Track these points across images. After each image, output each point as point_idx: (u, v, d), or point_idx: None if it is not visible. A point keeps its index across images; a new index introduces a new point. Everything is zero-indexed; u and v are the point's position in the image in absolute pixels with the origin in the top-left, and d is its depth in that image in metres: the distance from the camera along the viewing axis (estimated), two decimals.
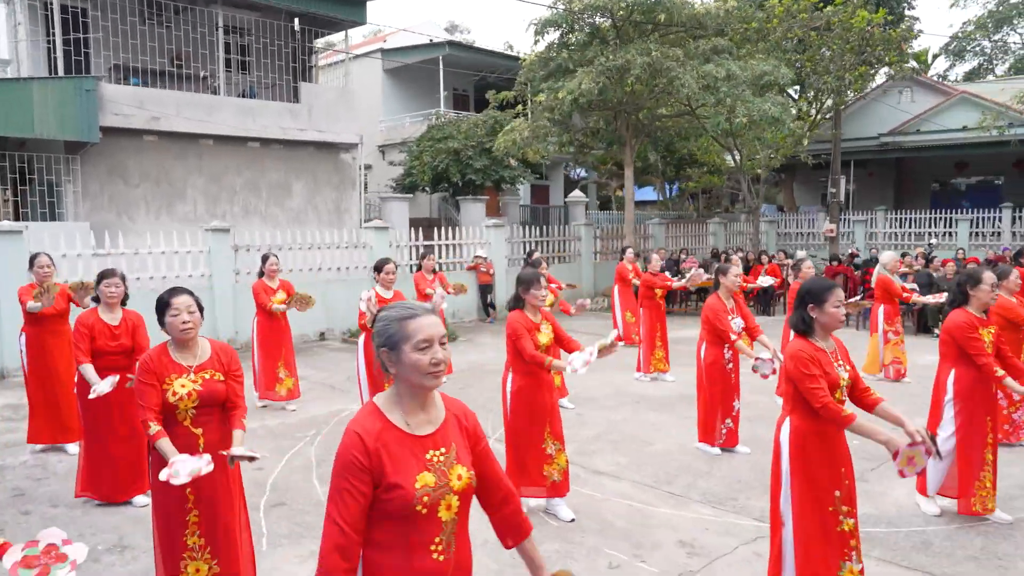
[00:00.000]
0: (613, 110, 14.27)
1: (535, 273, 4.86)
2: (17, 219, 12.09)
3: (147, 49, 14.59)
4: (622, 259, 10.40)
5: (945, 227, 20.18)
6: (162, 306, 3.33)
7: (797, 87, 17.74)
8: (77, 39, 13.65)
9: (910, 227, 20.61)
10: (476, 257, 13.88)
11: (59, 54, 12.94)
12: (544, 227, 15.97)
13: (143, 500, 4.86)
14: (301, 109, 15.65)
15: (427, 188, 19.45)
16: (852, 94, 17.44)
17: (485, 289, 13.98)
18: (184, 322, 3.30)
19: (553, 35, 14.24)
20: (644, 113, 14.36)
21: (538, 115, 14.11)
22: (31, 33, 14.46)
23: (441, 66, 22.70)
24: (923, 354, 9.34)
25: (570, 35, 13.67)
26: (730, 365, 6.01)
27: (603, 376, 8.89)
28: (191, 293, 3.40)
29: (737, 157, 16.27)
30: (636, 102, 13.96)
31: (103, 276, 4.95)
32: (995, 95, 25.68)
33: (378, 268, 6.56)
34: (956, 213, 19.74)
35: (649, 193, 32.20)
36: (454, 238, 13.92)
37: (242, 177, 15.05)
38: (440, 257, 13.31)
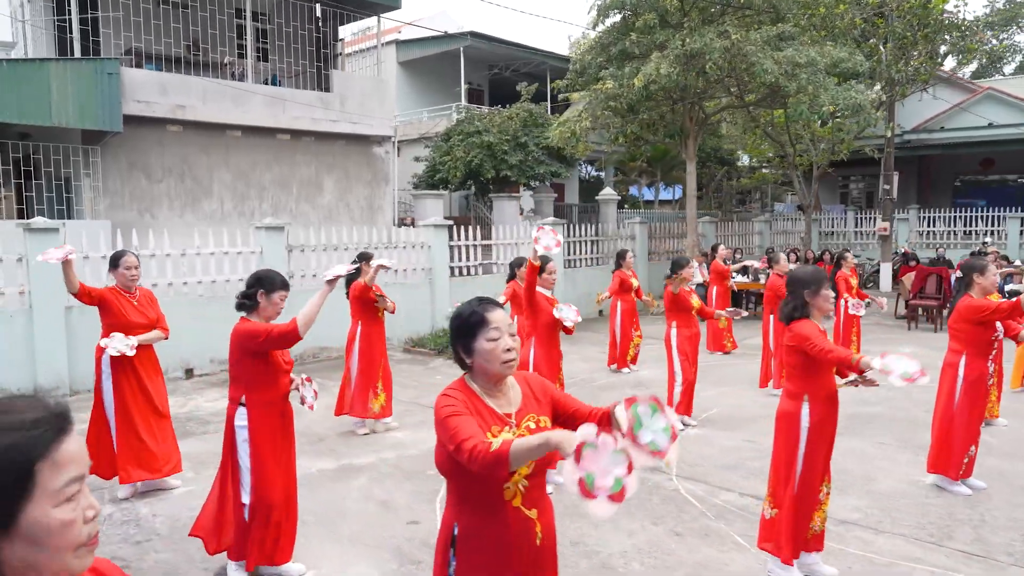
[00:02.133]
0: (677, 100, 13.25)
1: (818, 271, 3.83)
2: (20, 218, 10.71)
3: (163, 33, 13.27)
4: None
5: (987, 225, 19.59)
6: (473, 326, 2.20)
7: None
8: (87, 19, 12.31)
9: (945, 225, 20.01)
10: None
11: (75, 34, 11.60)
12: (599, 225, 14.92)
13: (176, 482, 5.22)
14: (333, 99, 14.44)
15: (451, 185, 18.31)
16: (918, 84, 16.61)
17: None
18: (507, 349, 2.18)
19: (613, 18, 13.20)
20: (713, 103, 13.38)
21: (597, 104, 13.04)
22: (38, 12, 13.07)
23: (462, 58, 21.57)
24: None
25: (634, 18, 12.63)
26: (991, 381, 5.02)
27: (723, 389, 7.87)
28: (500, 305, 2.29)
29: (790, 151, 15.37)
30: (705, 90, 12.97)
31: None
32: (1022, 91, 25.27)
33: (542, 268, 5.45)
34: (1007, 211, 19.10)
35: (647, 192, 31.36)
36: (508, 237, 12.79)
37: (271, 172, 13.80)
38: (471, 259, 12.13)
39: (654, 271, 15.34)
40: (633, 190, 28.68)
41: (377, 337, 6.66)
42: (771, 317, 7.65)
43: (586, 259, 14.31)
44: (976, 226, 19.56)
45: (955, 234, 19.68)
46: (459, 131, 17.91)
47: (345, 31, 16.57)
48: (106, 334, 4.97)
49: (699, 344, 6.78)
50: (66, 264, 4.75)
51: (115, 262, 5.09)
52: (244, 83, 13.46)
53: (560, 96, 15.60)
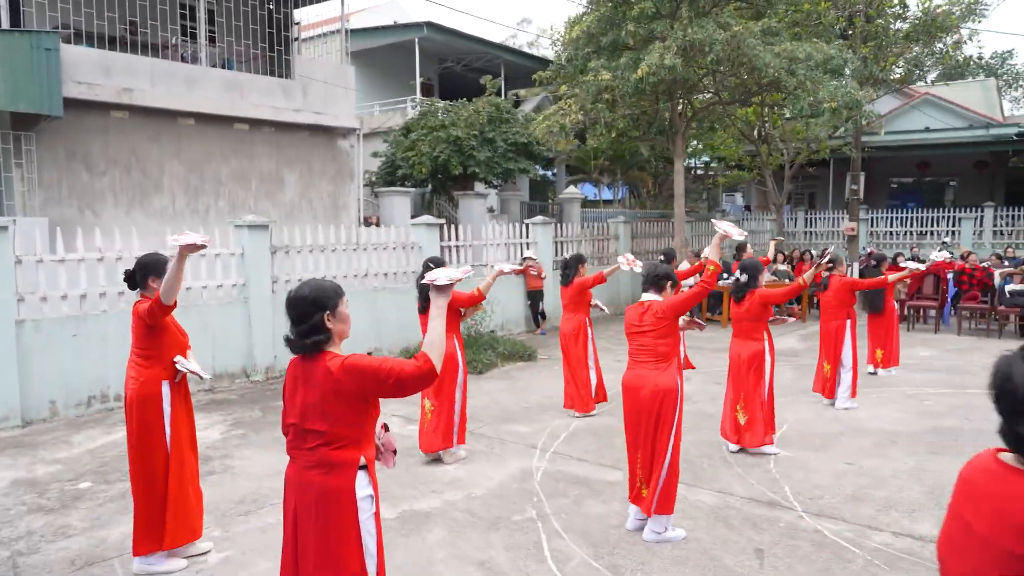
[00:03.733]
0: (669, 94, 12.72)
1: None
2: None
3: (101, 8, 11.69)
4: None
5: (927, 226, 20.14)
6: None
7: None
8: None
9: (890, 226, 20.46)
10: (526, 259, 11.89)
11: (1, 1, 9.98)
12: (564, 226, 14.19)
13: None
14: (294, 87, 13.20)
15: (410, 182, 17.24)
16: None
17: (535, 296, 12.09)
18: None
19: (601, 10, 12.53)
20: (700, 100, 12.91)
21: (587, 96, 12.35)
22: None
23: (417, 50, 20.50)
24: None
25: (626, 7, 11.97)
26: None
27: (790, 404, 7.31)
28: None
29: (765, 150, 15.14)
30: (696, 84, 12.48)
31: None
32: (956, 97, 26.27)
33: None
34: (960, 212, 19.62)
35: (587, 189, 31.03)
36: (476, 237, 11.91)
37: (228, 165, 12.43)
38: (462, 260, 11.25)
39: (637, 273, 14.78)
40: (583, 189, 28.20)
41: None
42: (846, 323, 7.09)
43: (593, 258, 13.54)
44: (931, 226, 20.04)
45: (911, 234, 20.09)
46: (422, 125, 16.87)
47: (302, 15, 15.26)
48: (150, 363, 3.96)
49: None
50: (182, 257, 3.72)
51: (159, 268, 4.00)
52: (198, 65, 12.05)
53: (518, 93, 14.78)
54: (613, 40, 12.20)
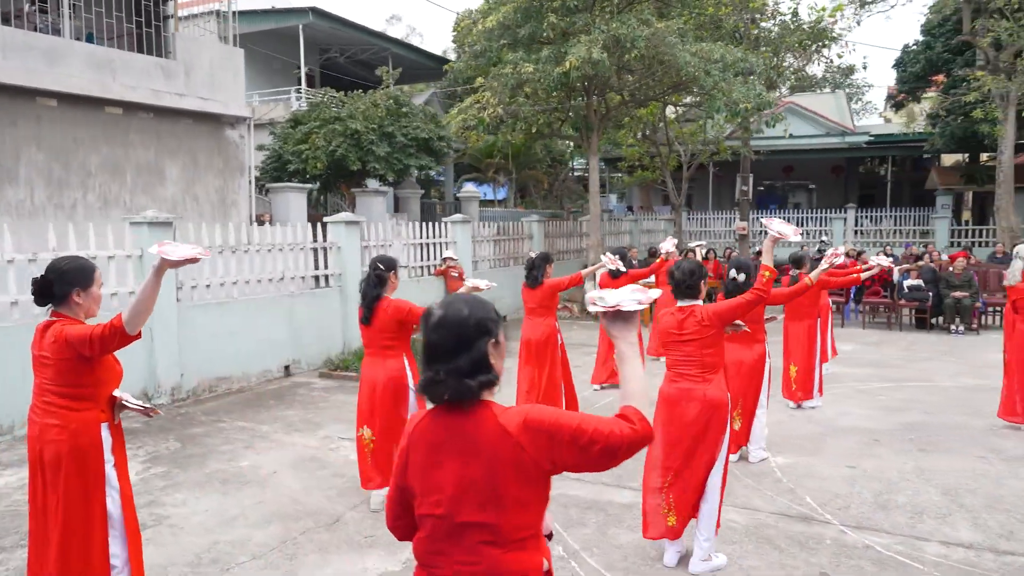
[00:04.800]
0: (590, 90, 12.49)
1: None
2: None
3: None
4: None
5: (802, 226, 21.47)
6: None
7: None
8: None
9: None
10: (446, 259, 11.26)
11: None
12: (498, 224, 13.65)
13: None
14: (176, 68, 11.73)
15: (299, 177, 16.00)
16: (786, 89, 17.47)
17: None
18: None
19: (519, 1, 12.05)
20: (617, 96, 12.76)
21: (505, 90, 11.85)
22: None
23: (301, 37, 19.11)
24: None
25: (549, 0, 11.58)
26: None
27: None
28: None
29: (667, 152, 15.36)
30: (609, 81, 12.32)
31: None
32: (814, 107, 28.23)
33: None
34: (831, 212, 20.98)
35: (473, 189, 30.73)
36: (426, 236, 11.16)
37: (99, 155, 10.79)
38: None
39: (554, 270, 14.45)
40: (467, 187, 27.67)
41: None
42: (816, 321, 7.00)
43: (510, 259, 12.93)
44: (804, 226, 21.31)
45: (823, 233, 21.24)
46: (315, 116, 15.68)
47: None
48: (83, 404, 2.98)
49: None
50: (162, 273, 2.90)
51: (86, 277, 3.01)
52: (60, 38, 10.35)
53: (403, 88, 14.07)
54: (531, 32, 11.76)
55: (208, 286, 7.83)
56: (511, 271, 13.37)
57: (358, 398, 4.70)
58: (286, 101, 19.23)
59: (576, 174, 30.81)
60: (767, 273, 3.94)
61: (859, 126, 34.15)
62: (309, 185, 14.90)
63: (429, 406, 1.88)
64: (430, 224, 11.32)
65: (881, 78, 57.17)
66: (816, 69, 15.16)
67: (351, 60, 23.09)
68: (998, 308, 12.17)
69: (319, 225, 9.37)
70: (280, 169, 16.00)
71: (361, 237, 9.79)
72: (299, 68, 20.07)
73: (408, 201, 17.54)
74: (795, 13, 15.16)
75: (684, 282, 3.87)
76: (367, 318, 4.52)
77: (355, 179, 17.20)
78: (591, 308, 1.95)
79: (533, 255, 6.55)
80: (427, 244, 11.13)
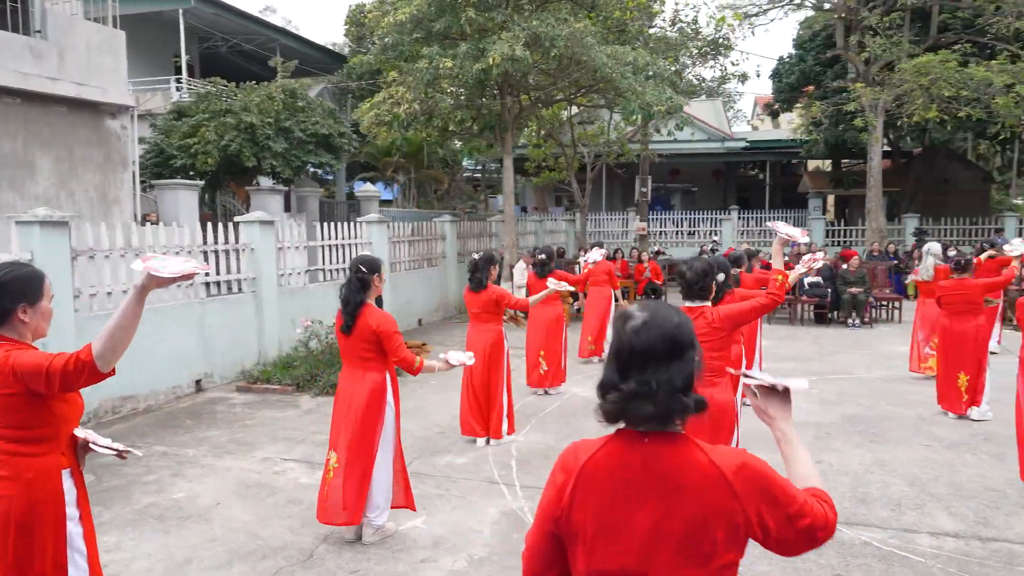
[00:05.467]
0: (505, 87, 12.30)
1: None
2: None
3: None
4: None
5: (693, 226, 22.44)
6: None
7: None
8: None
9: (662, 227, 22.46)
10: None
11: None
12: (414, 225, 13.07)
13: None
14: (49, 49, 10.48)
15: (188, 174, 14.81)
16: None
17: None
18: None
19: None
20: (532, 95, 12.64)
21: (419, 85, 11.44)
22: None
23: (182, 23, 17.68)
24: None
25: None
26: None
27: None
28: None
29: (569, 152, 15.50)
30: (533, 80, 12.23)
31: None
32: (697, 113, 29.56)
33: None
34: (722, 213, 21.96)
35: (373, 188, 29.93)
36: (341, 238, 10.52)
37: None
38: (296, 264, 9.72)
39: (464, 273, 14.13)
40: (366, 186, 26.74)
41: None
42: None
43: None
44: (692, 227, 22.24)
45: (680, 233, 22.10)
46: (203, 109, 14.51)
47: None
48: (39, 447, 2.38)
49: None
50: (145, 293, 2.36)
51: (33, 288, 2.42)
52: None
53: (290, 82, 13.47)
54: (446, 26, 11.40)
55: (109, 293, 6.93)
56: (425, 273, 12.95)
57: (332, 415, 4.21)
58: (165, 91, 17.72)
59: (467, 175, 30.66)
60: (779, 277, 3.86)
61: (738, 133, 36.20)
62: (201, 182, 13.73)
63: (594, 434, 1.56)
64: (347, 225, 10.70)
65: (749, 87, 61.03)
66: (715, 75, 15.91)
67: (234, 50, 21.68)
68: (884, 303, 13.13)
69: (232, 225, 8.58)
70: (163, 165, 14.67)
71: (276, 238, 9.07)
72: (178, 56, 18.58)
73: (306, 200, 16.63)
74: (695, 21, 15.71)
75: (696, 283, 3.72)
76: (347, 327, 4.05)
77: (246, 177, 16.12)
78: (745, 380, 1.73)
79: (476, 256, 6.18)
80: (342, 245, 10.51)
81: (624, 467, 1.49)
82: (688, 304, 3.76)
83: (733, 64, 16.73)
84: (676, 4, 17.24)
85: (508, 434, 6.03)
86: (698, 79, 16.80)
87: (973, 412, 6.45)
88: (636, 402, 1.46)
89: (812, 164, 30.09)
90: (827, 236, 20.76)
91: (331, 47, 25.86)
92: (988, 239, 15.25)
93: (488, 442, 5.94)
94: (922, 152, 23.70)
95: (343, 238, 10.56)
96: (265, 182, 16.13)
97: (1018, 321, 4.85)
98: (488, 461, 5.58)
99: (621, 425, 1.54)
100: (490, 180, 32.44)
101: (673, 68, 15.08)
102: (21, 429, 2.34)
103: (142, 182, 14.29)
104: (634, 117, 12.55)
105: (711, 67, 16.50)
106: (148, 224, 10.82)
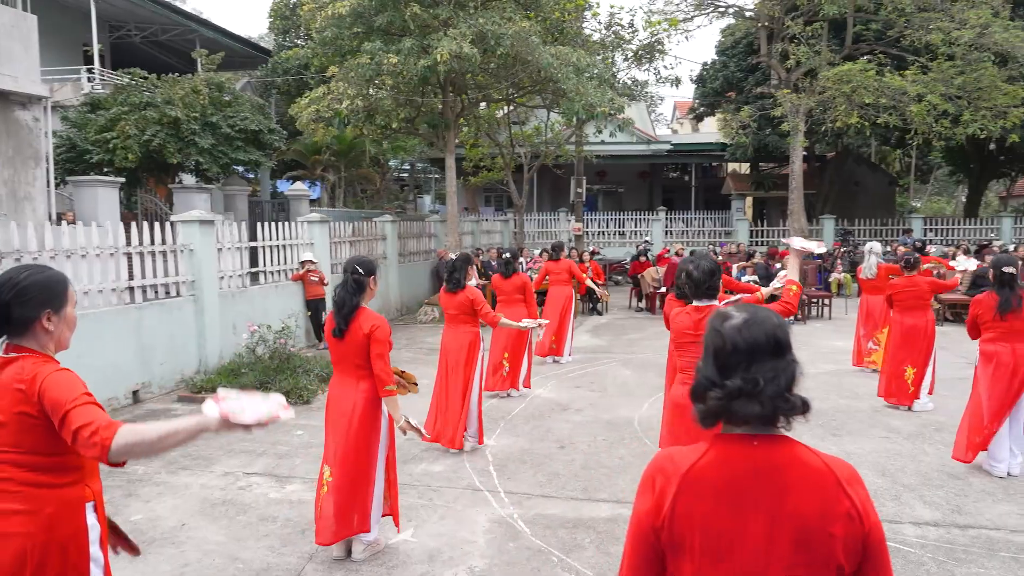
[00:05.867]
0: (449, 85, 12.12)
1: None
2: None
3: None
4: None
5: (621, 227, 22.88)
6: None
7: None
8: None
9: (598, 227, 22.78)
10: (305, 263, 10.28)
11: None
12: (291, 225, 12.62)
13: None
14: None
15: (94, 171, 13.91)
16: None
17: (316, 305, 10.43)
18: None
19: None
20: (467, 96, 12.50)
21: (361, 81, 11.13)
22: None
23: (94, 9, 16.57)
24: None
25: None
26: None
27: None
28: None
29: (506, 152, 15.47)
30: (478, 79, 12.10)
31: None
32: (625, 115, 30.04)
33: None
34: (651, 215, 22.42)
35: (303, 187, 29.08)
36: (282, 238, 10.08)
37: None
38: (237, 266, 9.22)
39: (404, 274, 13.86)
40: (282, 185, 25.87)
41: None
42: None
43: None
44: (626, 227, 22.63)
45: (612, 234, 22.44)
46: (122, 101, 13.66)
47: None
48: (60, 477, 2.12)
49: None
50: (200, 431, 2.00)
51: (59, 293, 2.16)
52: None
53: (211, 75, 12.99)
54: (388, 22, 11.13)
55: None
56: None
57: (325, 426, 3.96)
58: (75, 82, 16.58)
59: (395, 174, 30.18)
60: (794, 288, 3.89)
61: (658, 136, 37.07)
62: (121, 179, 12.90)
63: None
64: (288, 225, 10.27)
65: (668, 92, 62.69)
66: (647, 79, 16.17)
67: (149, 41, 20.55)
68: (814, 300, 13.68)
69: (169, 225, 8.06)
70: (76, 160, 13.72)
71: (215, 239, 8.58)
72: (88, 45, 17.43)
73: (234, 199, 15.89)
74: (631, 24, 15.97)
75: (704, 282, 3.69)
76: (340, 331, 3.80)
77: (167, 174, 15.29)
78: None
79: (454, 257, 6.05)
80: (283, 246, 10.08)
81: (734, 473, 1.43)
82: (696, 304, 3.73)
83: (666, 68, 17.07)
84: (612, 7, 17.35)
85: (479, 444, 5.87)
86: (632, 81, 17.11)
87: (916, 404, 6.76)
88: (740, 401, 1.41)
89: (731, 167, 31.20)
90: (751, 236, 21.53)
91: (253, 40, 24.89)
92: (904, 239, 16.17)
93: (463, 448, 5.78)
94: (835, 156, 24.93)
95: (284, 239, 10.12)
96: (188, 180, 15.35)
97: (969, 318, 5.09)
98: (465, 467, 5.42)
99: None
100: (416, 180, 32.05)
101: (611, 71, 15.28)
102: (41, 455, 2.03)
103: (65, 179, 13.32)
104: (573, 118, 12.59)
105: (645, 70, 16.77)
106: (65, 224, 10.09)
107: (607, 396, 7.51)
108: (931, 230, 20.84)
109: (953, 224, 21.22)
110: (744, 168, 30.40)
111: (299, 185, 17.31)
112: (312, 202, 25.39)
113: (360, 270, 3.83)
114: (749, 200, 31.17)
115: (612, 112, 12.47)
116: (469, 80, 12.37)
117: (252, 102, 15.42)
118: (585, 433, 6.23)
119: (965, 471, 5.22)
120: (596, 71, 12.97)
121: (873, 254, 8.19)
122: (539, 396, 7.57)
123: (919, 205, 37.27)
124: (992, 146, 21.60)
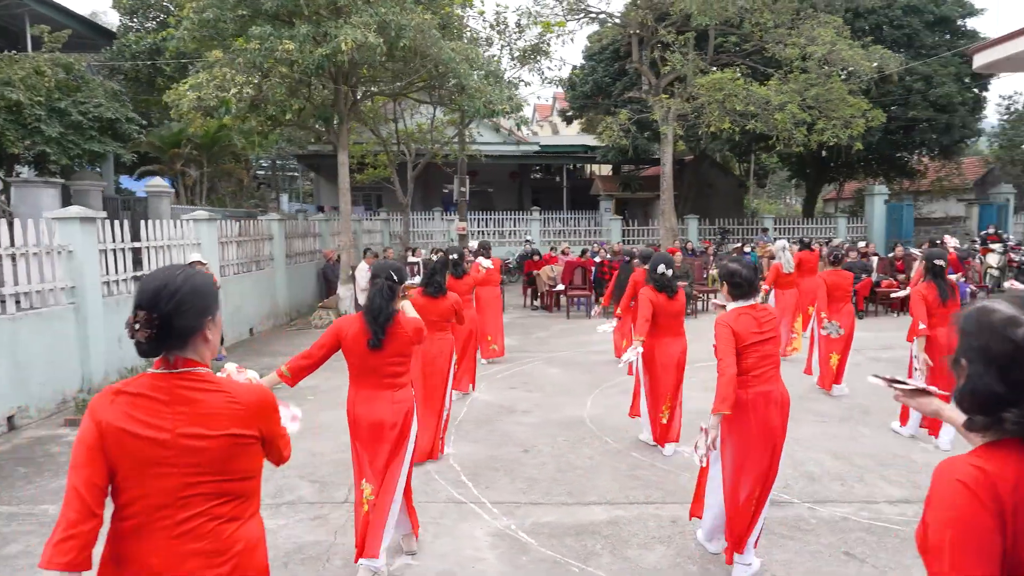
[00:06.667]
0: (344, 76, 11.51)
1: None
2: None
3: None
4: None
5: (503, 226, 23.06)
6: None
7: None
8: None
9: (478, 226, 22.77)
10: (194, 264, 9.29)
11: None
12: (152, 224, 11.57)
13: None
14: None
15: None
16: None
17: None
18: None
19: None
20: (354, 88, 11.91)
21: (251, 69, 10.31)
22: None
23: None
24: None
25: None
26: None
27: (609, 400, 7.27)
28: None
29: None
30: (377, 71, 11.59)
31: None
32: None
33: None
34: (528, 214, 22.64)
35: (163, 183, 26.66)
36: (166, 237, 9.05)
37: None
38: (120, 270, 8.26)
39: (292, 276, 12.99)
40: (125, 181, 23.48)
41: None
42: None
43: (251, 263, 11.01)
44: (499, 227, 22.74)
45: (493, 233, 22.44)
46: None
47: None
48: (248, 502, 2.01)
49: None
50: None
51: (213, 296, 1.97)
52: None
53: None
54: (280, 5, 10.35)
55: None
56: (254, 277, 11.67)
57: (353, 444, 3.57)
58: None
59: (257, 172, 28.44)
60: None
61: (531, 138, 37.62)
62: None
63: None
64: (174, 223, 9.25)
65: (528, 93, 63.71)
66: (532, 79, 16.31)
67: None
68: (701, 296, 14.39)
69: (44, 224, 6.96)
70: None
71: (98, 239, 7.54)
72: None
73: (86, 195, 14.13)
74: (518, 24, 15.95)
75: (753, 281, 3.67)
76: (379, 341, 3.42)
77: (2, 166, 13.38)
78: (873, 381, 1.95)
79: (435, 258, 5.65)
80: (169, 246, 9.07)
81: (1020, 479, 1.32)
82: (743, 303, 3.68)
83: (549, 69, 17.34)
84: (498, 5, 17.33)
85: (440, 452, 5.54)
86: (517, 80, 17.16)
87: (835, 389, 7.24)
88: None
89: (596, 169, 32.31)
90: (623, 236, 22.35)
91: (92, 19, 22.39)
92: (763, 237, 17.41)
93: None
94: (692, 160, 26.49)
95: (168, 239, 9.11)
96: (27, 174, 13.52)
97: (918, 306, 5.48)
98: (435, 479, 5.09)
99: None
100: (275, 178, 30.44)
101: (501, 69, 15.23)
102: (238, 481, 1.80)
103: None
104: (463, 116, 12.39)
105: (530, 70, 16.86)
106: None
107: (548, 396, 7.39)
108: (779, 228, 22.75)
109: (798, 224, 23.24)
110: (606, 170, 31.59)
111: (158, 181, 15.71)
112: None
113: (395, 276, 3.52)
114: (613, 201, 32.51)
115: (511, 111, 12.40)
116: (365, 72, 11.80)
117: (106, 88, 13.82)
118: (543, 435, 6.07)
119: (904, 448, 5.62)
120: (492, 68, 12.85)
121: (787, 251, 8.69)
122: (478, 399, 7.31)
123: (756, 206, 40.58)
124: (824, 153, 23.87)
